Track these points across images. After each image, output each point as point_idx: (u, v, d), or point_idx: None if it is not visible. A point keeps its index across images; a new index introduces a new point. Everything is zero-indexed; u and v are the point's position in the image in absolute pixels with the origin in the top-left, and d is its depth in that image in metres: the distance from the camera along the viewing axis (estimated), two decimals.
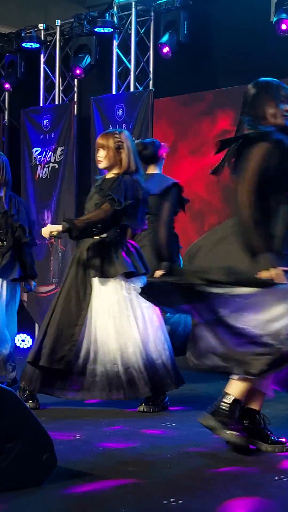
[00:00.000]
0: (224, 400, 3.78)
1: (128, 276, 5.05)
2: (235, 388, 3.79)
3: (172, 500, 2.99)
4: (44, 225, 9.01)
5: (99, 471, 3.47)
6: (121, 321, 5.01)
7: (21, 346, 9.19)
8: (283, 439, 3.89)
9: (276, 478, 3.36)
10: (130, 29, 8.49)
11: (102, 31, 8.53)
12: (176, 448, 3.95)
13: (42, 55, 9.25)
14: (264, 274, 3.61)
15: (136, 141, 5.73)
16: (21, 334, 9.25)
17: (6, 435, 3.07)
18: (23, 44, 9.15)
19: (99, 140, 5.15)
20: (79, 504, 3.01)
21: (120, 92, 8.59)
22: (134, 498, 3.07)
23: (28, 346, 9.14)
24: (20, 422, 3.12)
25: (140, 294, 4.30)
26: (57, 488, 3.16)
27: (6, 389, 3.12)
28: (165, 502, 2.98)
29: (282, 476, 3.38)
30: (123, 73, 8.65)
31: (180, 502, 2.98)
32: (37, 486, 3.13)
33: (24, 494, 3.06)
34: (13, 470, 3.07)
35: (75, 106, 9.01)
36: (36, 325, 9.14)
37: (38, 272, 8.88)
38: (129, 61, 8.52)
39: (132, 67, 8.48)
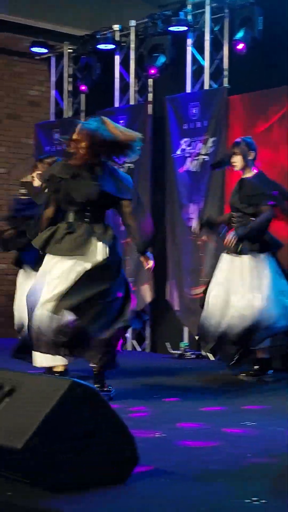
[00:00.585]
0: None
1: None
2: None
3: (254, 499, 2.98)
4: (120, 225, 9.12)
5: (180, 470, 3.48)
6: None
7: None
8: None
9: None
10: (204, 26, 8.48)
11: (176, 30, 8.54)
12: (257, 447, 3.94)
13: (117, 56, 9.31)
14: None
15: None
16: None
17: (90, 433, 3.11)
18: (98, 46, 9.23)
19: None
20: (161, 501, 3.02)
21: (195, 90, 8.58)
22: (215, 497, 3.07)
23: None
24: (104, 419, 3.16)
25: None
26: (140, 485, 3.19)
27: (90, 387, 3.16)
28: (247, 501, 2.97)
29: None
30: (198, 71, 8.64)
31: (263, 501, 2.97)
32: (120, 484, 3.17)
33: (107, 491, 3.09)
34: (97, 467, 3.11)
35: (150, 106, 9.03)
36: None
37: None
38: (204, 59, 8.50)
39: (206, 65, 8.47)
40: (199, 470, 3.49)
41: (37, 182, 6.49)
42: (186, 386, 5.98)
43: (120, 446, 3.19)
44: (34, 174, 6.57)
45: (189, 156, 8.42)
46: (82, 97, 9.93)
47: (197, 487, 3.21)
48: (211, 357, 7.91)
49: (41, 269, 5.37)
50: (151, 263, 5.52)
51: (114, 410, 3.23)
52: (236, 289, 6.19)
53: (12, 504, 2.98)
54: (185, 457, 3.75)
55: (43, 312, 5.10)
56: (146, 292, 8.77)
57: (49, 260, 5.31)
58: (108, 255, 5.24)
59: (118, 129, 5.40)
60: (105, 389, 5.27)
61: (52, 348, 5.15)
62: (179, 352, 8.17)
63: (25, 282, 6.36)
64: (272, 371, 6.32)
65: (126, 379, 6.40)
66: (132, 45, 9.14)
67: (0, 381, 3.38)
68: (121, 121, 9.11)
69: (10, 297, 7.28)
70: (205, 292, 6.43)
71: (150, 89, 9.15)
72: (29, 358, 5.82)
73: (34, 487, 3.08)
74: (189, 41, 8.60)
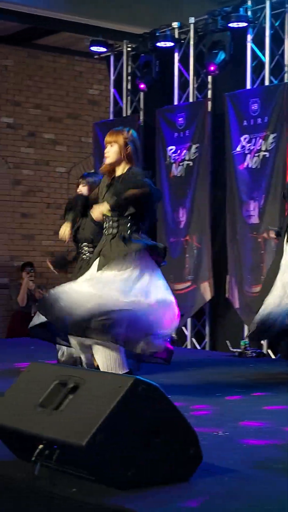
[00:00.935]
0: None
1: None
2: None
3: None
4: (180, 223, 9.16)
5: (243, 468, 3.48)
6: None
7: None
8: None
9: None
10: (265, 22, 8.41)
11: (236, 26, 8.49)
12: None
13: (176, 54, 9.31)
14: None
15: None
16: None
17: (154, 430, 3.12)
18: (157, 44, 9.23)
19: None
20: (225, 499, 3.02)
21: (255, 86, 8.53)
22: (279, 495, 3.06)
23: None
24: (167, 417, 3.17)
25: None
26: (203, 483, 3.19)
27: (153, 384, 3.16)
28: None
29: None
30: (258, 67, 8.57)
31: None
32: (184, 481, 3.17)
33: (173, 487, 3.10)
34: (161, 464, 3.12)
35: (209, 103, 9.00)
36: None
37: (174, 269, 9.01)
38: (264, 55, 8.45)
39: (267, 60, 8.41)
40: (262, 468, 3.47)
41: None
42: (247, 384, 5.96)
43: (184, 443, 3.19)
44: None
45: (249, 153, 8.37)
46: (141, 95, 9.94)
47: (260, 486, 3.20)
48: (272, 355, 7.86)
49: None
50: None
51: (177, 408, 3.23)
52: None
53: (77, 501, 3.00)
54: (248, 455, 3.74)
55: None
56: (206, 290, 8.75)
57: None
58: None
59: None
60: None
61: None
62: (239, 350, 8.13)
63: None
64: None
65: (188, 377, 6.41)
66: (192, 42, 9.12)
67: (64, 378, 3.41)
68: (180, 119, 9.13)
69: None
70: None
71: (210, 86, 9.12)
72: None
73: (99, 484, 3.10)
74: (249, 37, 8.55)
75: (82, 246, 6.53)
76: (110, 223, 5.28)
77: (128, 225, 5.25)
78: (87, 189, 6.54)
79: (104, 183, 5.42)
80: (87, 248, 6.50)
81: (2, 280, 11.12)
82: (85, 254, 6.49)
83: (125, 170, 5.31)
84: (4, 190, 11.19)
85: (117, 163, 5.32)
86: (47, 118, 11.57)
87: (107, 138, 5.34)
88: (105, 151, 5.32)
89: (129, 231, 5.24)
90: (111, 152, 5.28)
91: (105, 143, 5.35)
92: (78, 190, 6.76)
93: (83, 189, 6.63)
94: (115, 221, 5.27)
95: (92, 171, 8.06)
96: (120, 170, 5.33)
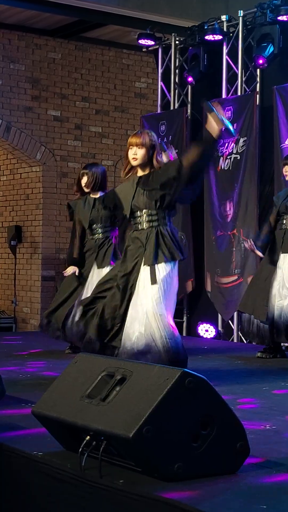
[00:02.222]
0: None
1: None
2: None
3: None
4: (227, 217, 9.13)
5: None
6: None
7: (204, 336, 9.28)
8: None
9: None
10: None
11: (286, 19, 8.43)
12: None
13: (224, 47, 9.26)
14: None
15: None
16: (205, 324, 9.34)
17: (201, 423, 3.11)
18: (206, 37, 9.20)
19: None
20: (272, 492, 3.01)
21: None
22: None
23: (212, 336, 9.21)
24: (214, 410, 3.16)
25: None
26: (251, 476, 3.18)
27: (201, 377, 3.16)
28: None
29: None
30: None
31: None
32: (231, 474, 3.16)
33: (219, 481, 3.09)
34: (208, 457, 3.11)
35: (258, 96, 8.95)
36: (219, 316, 9.19)
37: (221, 263, 8.98)
38: None
39: None
40: None
41: None
42: None
43: (231, 437, 3.18)
44: None
45: None
46: (189, 88, 9.92)
47: None
48: None
49: None
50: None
51: (225, 401, 3.22)
52: None
53: (124, 492, 3.01)
54: None
55: None
56: None
57: None
58: None
59: None
60: None
61: None
62: (287, 344, 8.07)
63: None
64: None
65: (235, 371, 6.39)
66: (240, 35, 9.07)
67: (111, 370, 3.42)
68: (228, 112, 9.08)
69: None
70: None
71: (258, 79, 9.07)
72: None
73: (145, 475, 3.11)
74: None
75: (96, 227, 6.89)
76: (145, 216, 5.32)
77: (165, 218, 5.35)
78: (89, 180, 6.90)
79: (127, 186, 5.44)
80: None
81: (49, 273, 11.20)
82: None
83: (147, 171, 5.36)
84: (51, 183, 11.26)
85: (143, 165, 5.35)
86: (94, 111, 11.61)
87: (135, 141, 5.33)
88: (133, 153, 5.32)
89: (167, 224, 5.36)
90: (140, 155, 5.30)
91: (132, 144, 5.33)
92: (83, 183, 7.00)
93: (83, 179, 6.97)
94: (154, 214, 5.30)
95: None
96: (142, 172, 5.38)
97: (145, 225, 5.34)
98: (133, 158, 5.31)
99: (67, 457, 3.39)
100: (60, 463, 3.34)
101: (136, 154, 5.30)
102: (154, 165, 5.33)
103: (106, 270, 6.58)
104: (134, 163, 5.32)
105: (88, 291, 6.64)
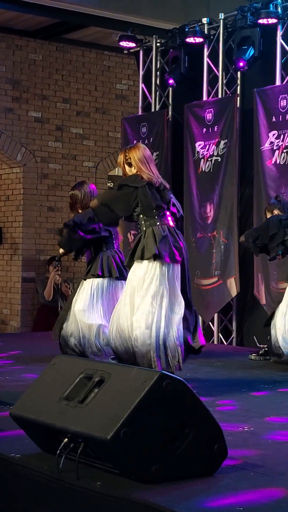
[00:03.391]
0: None
1: None
2: None
3: None
4: (207, 219, 9.15)
5: (269, 464, 3.47)
6: None
7: None
8: None
9: None
10: None
11: (266, 22, 8.45)
12: None
13: (205, 49, 9.28)
14: None
15: None
16: None
17: (179, 425, 3.12)
18: (187, 39, 9.21)
19: None
20: (251, 494, 3.01)
21: (284, 83, 8.49)
22: None
23: None
24: (193, 412, 3.17)
25: None
26: (228, 478, 3.19)
27: (178, 379, 3.16)
28: None
29: None
30: (287, 63, 8.53)
31: None
32: (210, 476, 3.17)
33: (197, 483, 3.10)
34: (186, 458, 3.12)
35: (238, 98, 8.97)
36: (199, 317, 9.19)
37: (201, 265, 9.00)
38: None
39: None
40: None
41: None
42: (274, 380, 5.94)
43: (209, 439, 3.19)
44: None
45: (278, 149, 8.34)
46: (170, 90, 9.93)
47: (285, 481, 3.19)
48: None
49: None
50: None
51: (203, 403, 3.23)
52: None
53: (102, 494, 3.01)
54: (273, 451, 3.73)
55: None
56: (232, 286, 8.73)
57: None
58: None
59: None
60: None
61: None
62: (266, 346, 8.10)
63: None
64: None
65: (214, 372, 6.40)
66: (221, 38, 9.09)
67: (89, 372, 3.42)
68: (209, 114, 9.10)
69: None
70: None
71: (239, 81, 9.09)
72: None
73: (123, 477, 3.11)
74: (279, 33, 8.50)
75: None
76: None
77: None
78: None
79: None
80: None
81: (29, 274, 11.17)
82: None
83: None
84: (31, 184, 11.24)
85: None
86: (75, 113, 11.59)
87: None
88: None
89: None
90: None
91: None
92: None
93: None
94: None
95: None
96: None
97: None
98: None
99: (45, 459, 3.39)
100: (38, 465, 3.34)
101: None
102: None
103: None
104: None
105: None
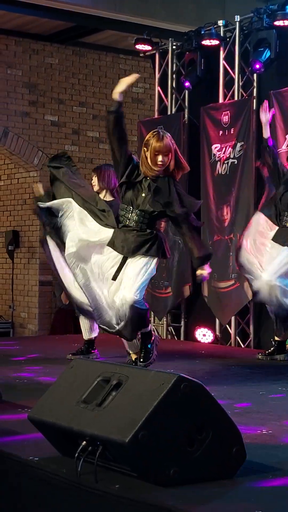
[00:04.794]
0: None
1: None
2: None
3: None
4: (224, 221, 9.13)
5: (287, 467, 3.45)
6: None
7: (202, 341, 9.27)
8: None
9: None
10: None
11: (282, 24, 8.44)
12: None
13: (221, 52, 9.27)
14: None
15: None
16: (202, 329, 9.34)
17: (197, 428, 3.11)
18: (203, 42, 9.21)
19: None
20: (269, 497, 3.00)
21: None
22: None
23: (209, 340, 9.21)
24: (210, 415, 3.16)
25: None
26: (247, 481, 3.17)
27: (196, 381, 3.16)
28: None
29: None
30: None
31: None
32: (228, 479, 3.16)
33: (215, 486, 3.09)
34: (204, 462, 3.11)
35: (255, 101, 8.96)
36: (217, 320, 9.18)
37: (218, 268, 8.98)
38: None
39: None
40: None
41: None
42: None
43: (227, 441, 3.18)
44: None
45: None
46: (186, 93, 9.93)
47: None
48: None
49: None
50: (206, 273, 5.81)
51: (221, 406, 3.22)
52: None
53: (119, 497, 3.01)
54: None
55: None
56: (249, 289, 8.71)
57: None
58: None
59: None
60: None
61: None
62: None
63: None
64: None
65: (231, 375, 6.39)
66: (237, 40, 9.08)
67: (107, 375, 3.42)
68: (225, 117, 9.09)
69: None
70: None
71: (255, 84, 9.08)
72: None
73: (141, 480, 3.11)
74: None
75: None
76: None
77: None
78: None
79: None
80: None
81: (46, 278, 11.19)
82: None
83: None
84: (48, 188, 11.24)
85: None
86: (91, 116, 11.62)
87: (165, 148, 5.55)
88: (161, 160, 5.54)
89: None
90: (166, 162, 5.57)
91: (160, 153, 5.54)
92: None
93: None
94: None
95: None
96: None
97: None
98: (160, 165, 5.55)
99: (63, 463, 3.39)
100: (56, 469, 3.34)
101: (162, 162, 5.53)
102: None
103: None
104: (159, 169, 5.57)
105: None
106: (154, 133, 5.62)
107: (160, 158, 5.48)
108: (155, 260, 5.61)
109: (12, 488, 3.54)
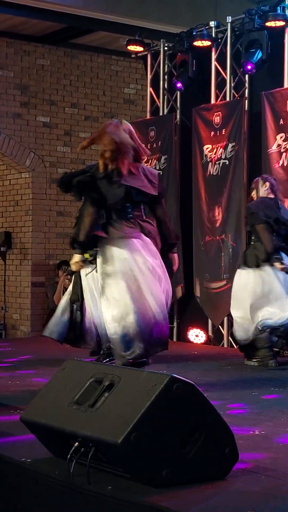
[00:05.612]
0: None
1: None
2: None
3: None
4: (216, 222, 9.14)
5: (280, 467, 3.46)
6: None
7: (194, 341, 9.28)
8: None
9: None
10: None
11: (274, 25, 8.45)
12: None
13: (213, 53, 9.27)
14: None
15: None
16: (195, 329, 9.34)
17: (190, 429, 3.11)
18: (195, 43, 9.21)
19: None
20: (261, 498, 3.01)
21: None
22: None
23: (202, 341, 9.21)
24: (203, 415, 3.16)
25: None
26: (240, 482, 3.18)
27: (189, 382, 3.16)
28: None
29: None
30: None
31: None
32: (220, 479, 3.16)
33: (208, 487, 3.09)
34: (197, 462, 3.11)
35: (246, 101, 8.97)
36: (210, 321, 9.19)
37: (210, 268, 9.00)
38: None
39: None
40: None
41: None
42: (284, 383, 5.92)
43: (220, 442, 3.18)
44: None
45: (285, 151, 8.33)
46: (178, 94, 9.93)
47: None
48: None
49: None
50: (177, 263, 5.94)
51: (213, 406, 3.22)
52: None
53: (112, 498, 3.00)
54: (285, 455, 3.72)
55: None
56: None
57: None
58: None
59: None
60: None
61: None
62: (276, 349, 8.07)
63: None
64: None
65: (224, 376, 6.39)
66: (229, 41, 9.09)
67: (99, 376, 3.42)
68: (217, 117, 9.10)
69: None
70: None
71: (247, 85, 9.09)
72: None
73: (134, 481, 3.10)
74: (287, 36, 8.50)
75: None
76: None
77: None
78: None
79: None
80: None
81: (38, 279, 11.18)
82: None
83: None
84: (40, 189, 11.25)
85: None
86: (83, 117, 11.61)
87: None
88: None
89: None
90: None
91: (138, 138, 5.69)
92: None
93: None
94: None
95: None
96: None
97: None
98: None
99: (56, 464, 3.39)
100: (49, 470, 3.34)
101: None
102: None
103: None
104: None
105: None
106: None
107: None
108: None
109: (5, 490, 3.54)
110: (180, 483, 3.08)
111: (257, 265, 6.92)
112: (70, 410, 3.35)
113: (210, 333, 9.21)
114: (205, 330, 9.24)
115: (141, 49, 9.99)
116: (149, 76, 10.25)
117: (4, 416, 4.45)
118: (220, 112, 9.08)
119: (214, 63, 9.27)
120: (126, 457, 3.06)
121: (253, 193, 7.14)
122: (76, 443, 3.20)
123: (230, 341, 8.93)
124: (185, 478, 3.10)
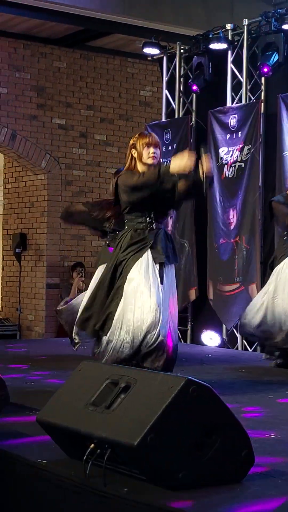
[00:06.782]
0: None
1: None
2: None
3: None
4: (230, 225, 9.13)
5: None
6: None
7: (208, 344, 9.26)
8: None
9: None
10: None
11: None
12: None
13: (229, 55, 9.27)
14: None
15: None
16: (209, 332, 9.33)
17: (206, 431, 3.11)
18: (211, 46, 9.21)
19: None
20: (278, 501, 3.00)
21: None
22: None
23: (216, 344, 9.20)
24: (219, 418, 3.15)
25: None
26: (256, 485, 3.17)
27: (205, 385, 3.15)
28: None
29: None
30: None
31: None
32: (236, 483, 3.15)
33: (224, 490, 3.09)
34: (213, 465, 3.10)
35: (262, 104, 8.96)
36: (223, 323, 9.18)
37: (224, 271, 8.98)
38: None
39: None
40: None
41: None
42: None
43: (236, 445, 3.18)
44: None
45: None
46: (194, 97, 9.93)
47: None
48: None
49: None
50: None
51: (229, 409, 3.21)
52: None
53: (128, 500, 3.00)
54: None
55: None
56: (254, 292, 8.71)
57: None
58: None
59: None
60: None
61: None
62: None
63: None
64: None
65: (239, 379, 6.38)
66: (245, 44, 9.08)
67: (115, 378, 3.42)
68: (233, 120, 9.09)
69: None
70: None
71: (263, 87, 9.08)
72: None
73: (150, 483, 3.10)
74: None
75: None
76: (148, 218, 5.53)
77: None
78: None
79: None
80: None
81: (53, 280, 11.20)
82: None
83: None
84: (55, 191, 11.28)
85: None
86: (99, 120, 11.63)
87: (154, 141, 5.60)
88: (154, 152, 5.54)
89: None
90: (158, 154, 5.61)
91: (151, 144, 5.54)
92: None
93: None
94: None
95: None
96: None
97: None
98: (153, 157, 5.53)
99: (71, 465, 3.39)
100: (64, 471, 3.34)
101: (155, 153, 5.54)
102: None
103: None
104: (155, 161, 5.56)
105: None
106: (139, 133, 5.74)
107: (152, 149, 5.52)
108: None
109: (20, 491, 3.54)
110: (196, 486, 3.07)
111: None
112: (86, 411, 3.35)
113: (224, 336, 9.20)
114: (219, 333, 9.22)
115: (157, 51, 10.00)
116: (164, 79, 10.25)
117: (19, 417, 4.46)
118: (236, 115, 9.07)
119: (230, 65, 9.27)
120: (142, 459, 3.06)
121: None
122: (92, 445, 3.20)
123: (245, 344, 8.91)
124: (201, 481, 3.10)
